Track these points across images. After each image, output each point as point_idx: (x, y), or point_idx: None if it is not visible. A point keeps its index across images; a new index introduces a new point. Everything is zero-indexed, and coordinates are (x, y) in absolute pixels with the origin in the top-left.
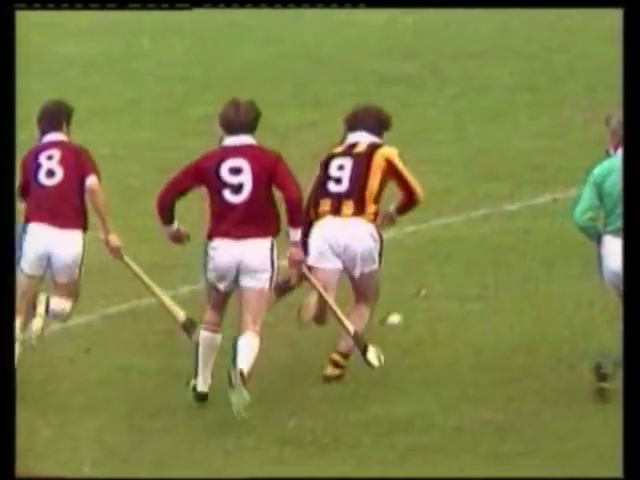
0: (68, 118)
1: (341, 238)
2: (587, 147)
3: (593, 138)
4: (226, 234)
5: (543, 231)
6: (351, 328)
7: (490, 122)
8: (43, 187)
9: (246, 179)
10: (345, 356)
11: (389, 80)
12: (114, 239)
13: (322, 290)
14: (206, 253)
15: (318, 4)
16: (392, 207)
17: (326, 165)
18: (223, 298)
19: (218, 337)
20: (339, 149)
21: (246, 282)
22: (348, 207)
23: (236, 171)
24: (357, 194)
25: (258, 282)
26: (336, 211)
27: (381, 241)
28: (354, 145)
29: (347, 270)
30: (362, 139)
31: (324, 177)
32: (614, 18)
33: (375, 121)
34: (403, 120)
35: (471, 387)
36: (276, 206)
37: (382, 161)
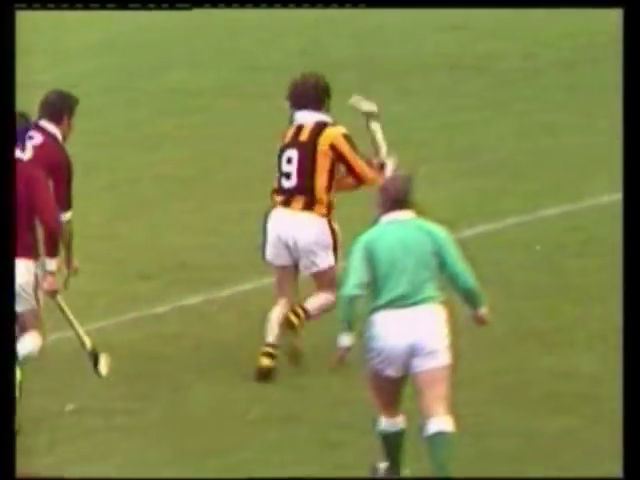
0: (70, 110)
1: (291, 233)
2: (241, 242)
3: (249, 231)
4: None
5: (194, 335)
6: (88, 343)
7: (141, 216)
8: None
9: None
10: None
11: None
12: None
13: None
14: None
15: (318, 4)
16: None
17: (279, 158)
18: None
19: None
20: (288, 136)
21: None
22: (298, 202)
23: None
24: (307, 189)
25: (23, 306)
26: (287, 204)
27: (334, 236)
28: (300, 129)
29: (299, 266)
30: (306, 120)
31: (278, 172)
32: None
33: (315, 93)
34: None
35: None
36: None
37: (327, 148)
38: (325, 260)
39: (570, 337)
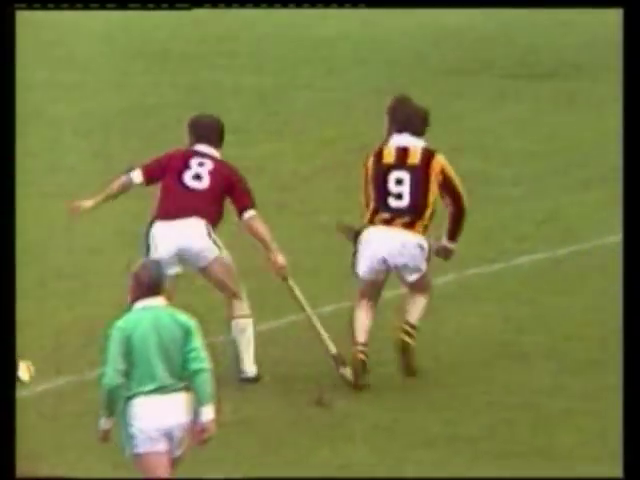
0: (220, 134)
1: (391, 255)
2: None
3: None
4: None
5: None
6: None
7: None
8: (186, 188)
9: None
10: (414, 327)
11: None
12: (281, 259)
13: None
14: None
15: (318, 4)
16: (444, 239)
17: (383, 178)
18: None
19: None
20: (391, 159)
21: None
22: (401, 221)
23: None
24: (418, 210)
25: None
26: (389, 222)
27: (428, 250)
28: (405, 152)
29: (399, 276)
30: (411, 144)
31: (382, 191)
32: None
33: (419, 121)
34: None
35: None
36: None
37: (439, 173)
38: (420, 272)
39: (347, 430)
